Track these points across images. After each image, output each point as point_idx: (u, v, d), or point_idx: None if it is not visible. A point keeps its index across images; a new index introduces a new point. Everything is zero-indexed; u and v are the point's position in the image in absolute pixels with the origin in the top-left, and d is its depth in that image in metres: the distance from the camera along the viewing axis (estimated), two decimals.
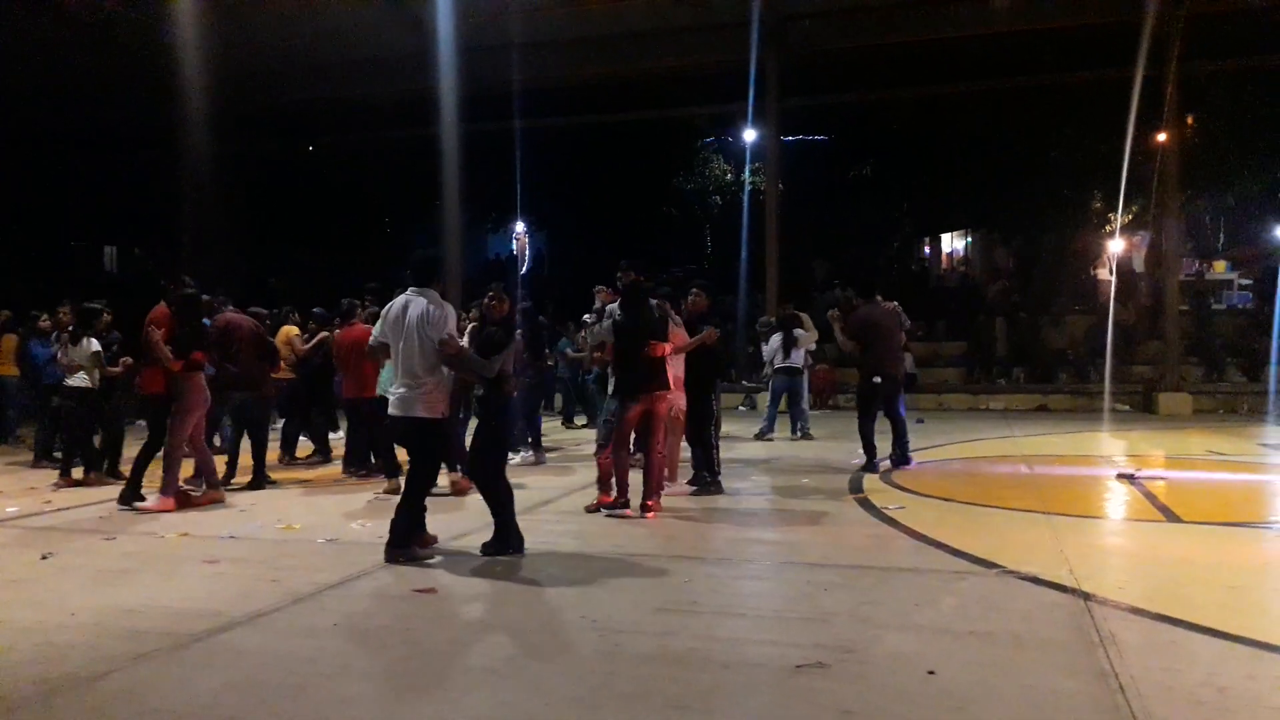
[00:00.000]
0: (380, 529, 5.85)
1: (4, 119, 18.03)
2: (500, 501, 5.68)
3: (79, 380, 8.61)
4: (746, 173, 22.44)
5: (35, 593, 4.93)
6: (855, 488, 8.06)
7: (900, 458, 9.09)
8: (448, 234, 17.20)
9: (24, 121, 19.00)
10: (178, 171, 16.31)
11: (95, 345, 8.48)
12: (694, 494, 7.67)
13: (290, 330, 10.27)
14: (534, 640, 4.07)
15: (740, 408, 17.10)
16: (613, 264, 7.66)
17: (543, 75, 17.44)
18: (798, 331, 11.96)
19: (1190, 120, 18.13)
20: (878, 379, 8.91)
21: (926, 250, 29.94)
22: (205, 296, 8.55)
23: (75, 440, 8.84)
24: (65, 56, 16.86)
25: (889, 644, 3.93)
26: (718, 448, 7.91)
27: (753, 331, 18.68)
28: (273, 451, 10.25)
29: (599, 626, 4.19)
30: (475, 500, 7.47)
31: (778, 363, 12.00)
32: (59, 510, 7.41)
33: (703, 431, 7.76)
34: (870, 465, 8.93)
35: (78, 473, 8.71)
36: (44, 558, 5.68)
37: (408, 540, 5.52)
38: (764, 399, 16.28)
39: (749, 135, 20.24)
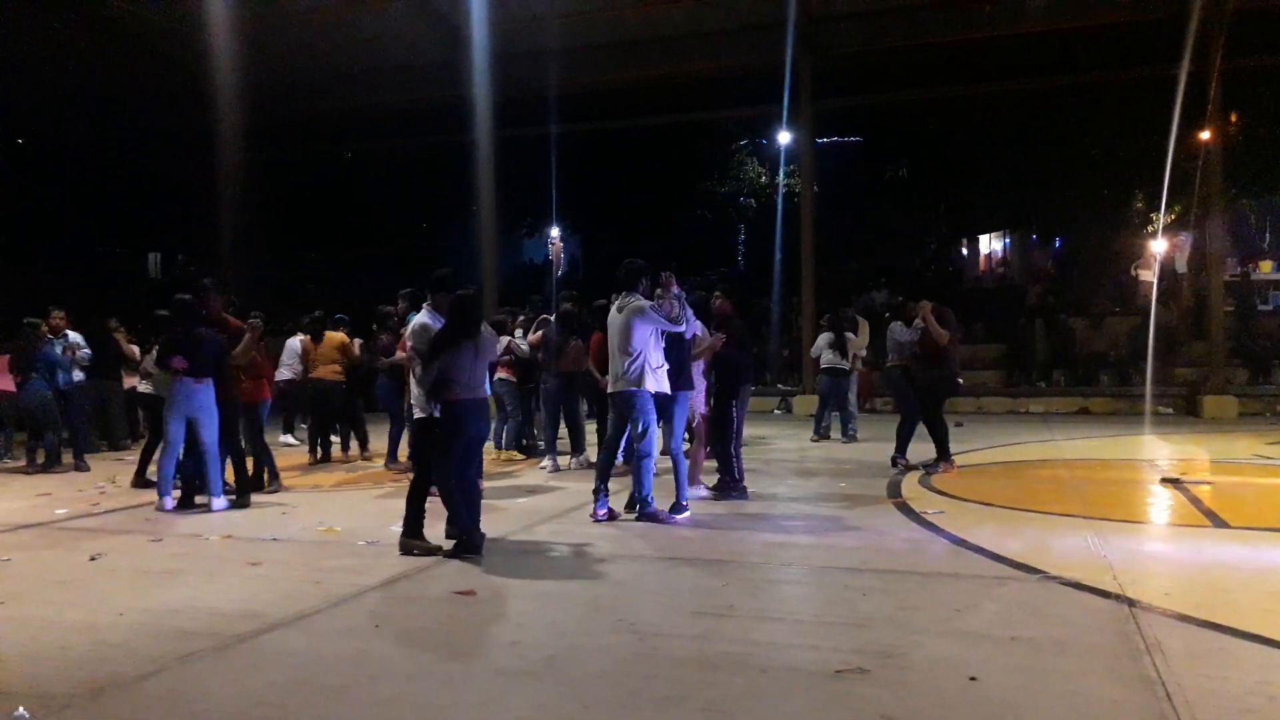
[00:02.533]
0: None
1: (49, 127, 18.41)
2: (445, 500, 5.81)
3: (145, 387, 8.82)
4: (781, 175, 22.35)
5: (84, 593, 5.05)
6: (893, 492, 7.99)
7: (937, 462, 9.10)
8: (483, 239, 17.32)
9: (68, 129, 19.42)
10: (216, 178, 16.59)
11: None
12: (717, 498, 7.66)
13: (340, 337, 10.43)
14: (572, 643, 4.08)
15: (775, 411, 17.04)
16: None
17: (576, 80, 17.47)
18: (848, 335, 11.94)
19: (1234, 117, 17.76)
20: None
21: (964, 251, 29.64)
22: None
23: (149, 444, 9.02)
24: (106, 65, 17.19)
25: (929, 649, 3.90)
26: (739, 454, 7.89)
27: (787, 335, 18.67)
28: (303, 455, 10.53)
29: (636, 629, 4.20)
30: (517, 503, 7.57)
31: (824, 363, 11.99)
32: (107, 513, 7.57)
33: (722, 437, 7.79)
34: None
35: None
36: (92, 559, 5.81)
37: (416, 531, 5.77)
38: (800, 402, 16.28)
39: (783, 137, 20.14)
